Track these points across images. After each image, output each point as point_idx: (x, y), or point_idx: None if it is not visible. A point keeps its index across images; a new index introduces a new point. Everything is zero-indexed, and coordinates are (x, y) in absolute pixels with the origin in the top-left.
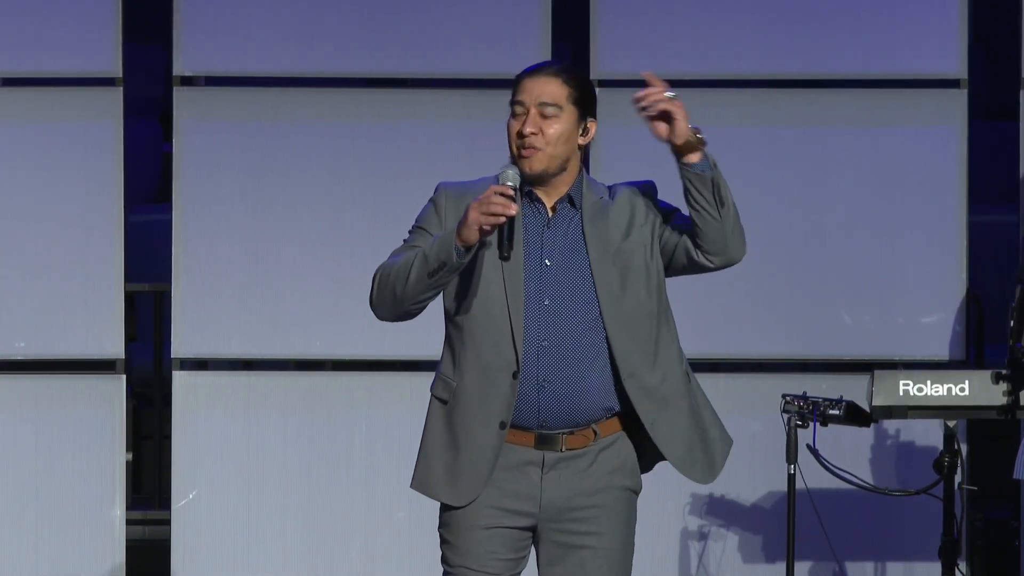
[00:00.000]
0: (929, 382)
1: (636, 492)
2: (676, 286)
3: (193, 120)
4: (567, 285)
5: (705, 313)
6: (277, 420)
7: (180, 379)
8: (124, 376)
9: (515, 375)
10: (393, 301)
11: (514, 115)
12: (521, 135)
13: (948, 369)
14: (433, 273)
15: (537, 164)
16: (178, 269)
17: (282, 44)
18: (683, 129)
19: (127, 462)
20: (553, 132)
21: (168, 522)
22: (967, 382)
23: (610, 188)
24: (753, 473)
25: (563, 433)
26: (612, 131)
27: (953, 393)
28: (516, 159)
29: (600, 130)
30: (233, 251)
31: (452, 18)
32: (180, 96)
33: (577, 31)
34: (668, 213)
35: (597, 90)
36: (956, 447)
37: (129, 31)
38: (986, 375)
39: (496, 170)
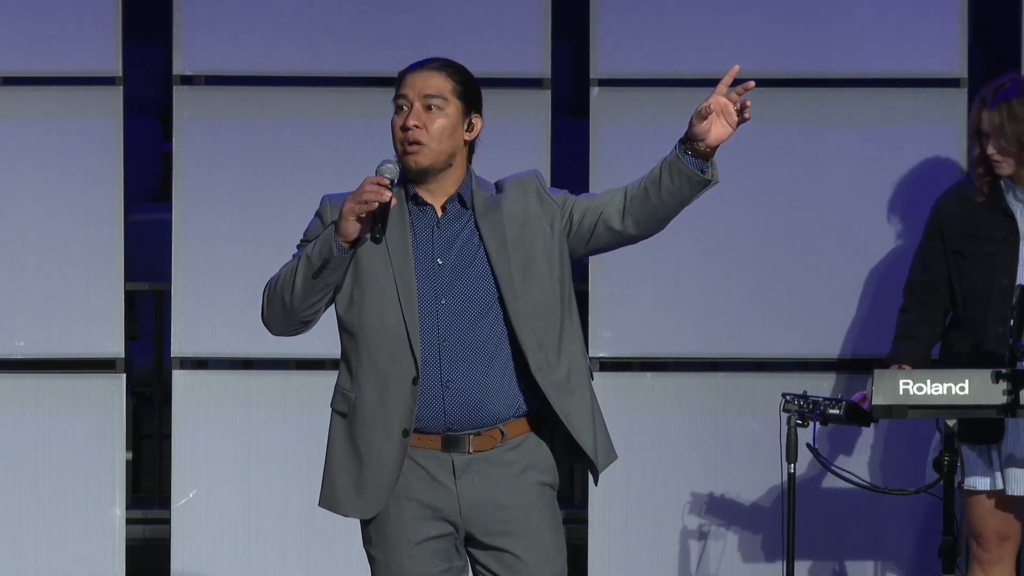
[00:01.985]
0: (929, 381)
1: (554, 488)
2: (675, 285)
3: (193, 119)
4: (464, 282)
5: (705, 313)
6: (277, 419)
7: (180, 378)
8: (124, 375)
9: (415, 380)
10: (284, 311)
11: (397, 111)
12: (405, 128)
13: (948, 369)
14: (317, 272)
15: (423, 159)
16: (178, 268)
17: (282, 44)
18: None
19: (127, 461)
20: (437, 126)
21: (168, 521)
22: (967, 382)
23: (497, 184)
24: (753, 473)
25: (470, 434)
26: (612, 131)
27: (953, 393)
28: (401, 156)
29: (600, 130)
30: (233, 250)
31: (452, 18)
32: (180, 96)
33: (577, 31)
34: (565, 199)
35: (597, 90)
36: (956, 447)
37: (129, 30)
38: (986, 375)
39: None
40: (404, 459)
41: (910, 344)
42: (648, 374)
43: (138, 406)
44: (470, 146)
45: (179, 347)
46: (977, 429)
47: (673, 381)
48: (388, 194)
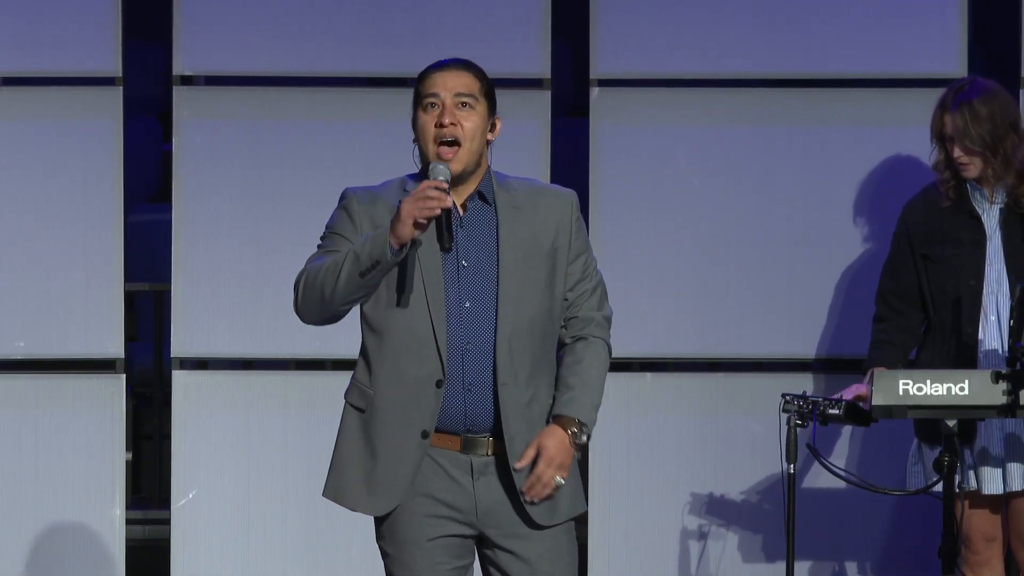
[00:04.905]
0: (929, 382)
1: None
2: (675, 285)
3: (193, 119)
4: (482, 285)
5: (705, 313)
6: (277, 419)
7: (180, 379)
8: (124, 376)
9: (439, 383)
10: (321, 304)
11: (424, 109)
12: (441, 125)
13: (948, 369)
14: (366, 272)
15: (457, 164)
16: (178, 268)
17: (282, 44)
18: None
19: (127, 462)
20: (471, 125)
21: (168, 522)
22: (967, 382)
23: (522, 181)
24: (753, 473)
25: (488, 437)
26: (612, 131)
27: (953, 393)
28: (433, 157)
29: (600, 130)
30: (233, 250)
31: (452, 18)
32: (180, 95)
33: (577, 31)
34: (582, 248)
35: (597, 90)
36: (956, 447)
37: (129, 30)
38: (986, 375)
39: (407, 171)
40: (422, 459)
41: (887, 348)
42: (648, 374)
43: (138, 406)
44: (489, 147)
45: (179, 347)
46: (936, 431)
47: (673, 381)
48: (449, 199)
